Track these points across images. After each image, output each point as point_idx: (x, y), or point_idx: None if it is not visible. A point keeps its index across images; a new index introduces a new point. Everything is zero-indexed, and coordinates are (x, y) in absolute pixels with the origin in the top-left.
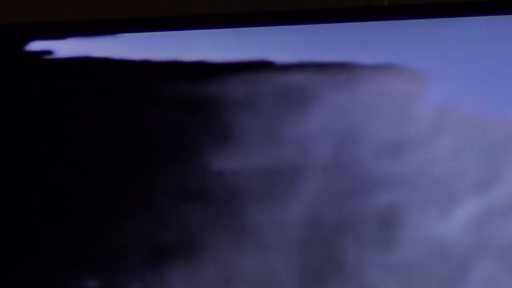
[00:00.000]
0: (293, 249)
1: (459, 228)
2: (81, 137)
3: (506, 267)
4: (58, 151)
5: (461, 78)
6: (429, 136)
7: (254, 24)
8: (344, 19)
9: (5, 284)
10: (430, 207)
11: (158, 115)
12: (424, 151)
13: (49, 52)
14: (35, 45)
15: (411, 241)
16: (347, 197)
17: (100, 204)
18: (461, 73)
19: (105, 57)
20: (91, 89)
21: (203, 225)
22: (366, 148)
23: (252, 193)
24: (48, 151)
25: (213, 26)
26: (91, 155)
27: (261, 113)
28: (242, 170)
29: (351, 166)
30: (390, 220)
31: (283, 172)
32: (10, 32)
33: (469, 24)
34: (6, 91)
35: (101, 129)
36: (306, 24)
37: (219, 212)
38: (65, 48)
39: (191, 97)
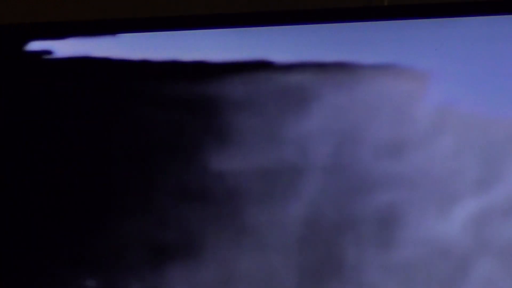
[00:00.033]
0: (293, 249)
1: (459, 228)
2: (81, 137)
3: (506, 267)
4: (58, 151)
5: (461, 78)
6: (429, 136)
7: (254, 24)
8: (344, 19)
9: (5, 284)
10: (430, 207)
11: (158, 115)
12: (424, 151)
13: (48, 52)
14: (35, 45)
15: (411, 241)
16: (347, 197)
17: (100, 204)
18: (461, 73)
19: (105, 57)
20: (91, 89)
21: (203, 225)
22: (366, 148)
23: (252, 193)
24: (48, 151)
25: (213, 26)
26: (91, 155)
27: (261, 113)
28: (242, 170)
29: (351, 166)
30: (390, 220)
31: (283, 172)
32: (10, 32)
33: (469, 24)
34: (6, 91)
35: (101, 129)
36: (306, 24)
37: (219, 212)
38: (65, 48)
39: (191, 97)
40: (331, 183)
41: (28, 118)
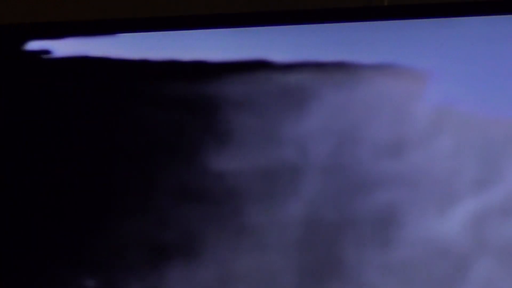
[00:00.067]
0: (293, 249)
1: (458, 228)
2: (80, 137)
3: (505, 267)
4: (58, 151)
5: (461, 78)
6: (428, 136)
7: (254, 24)
8: (344, 19)
9: (5, 284)
10: (429, 207)
11: (157, 115)
12: (423, 151)
13: (48, 52)
14: (34, 45)
15: (410, 240)
16: (346, 197)
17: (100, 204)
18: (461, 73)
19: (104, 57)
20: (91, 89)
21: (202, 225)
22: (366, 148)
23: (252, 193)
24: (48, 151)
25: (212, 26)
26: (90, 155)
27: (260, 113)
28: (242, 170)
29: (351, 166)
30: (389, 220)
31: (282, 171)
32: (10, 32)
33: (469, 24)
34: (5, 91)
35: (100, 129)
36: (306, 24)
37: (219, 212)
38: (64, 48)
39: (191, 97)
40: (331, 183)
41: (27, 118)
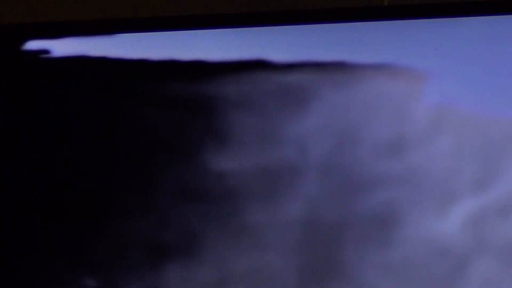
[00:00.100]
0: (292, 248)
1: (458, 227)
2: (80, 137)
3: (504, 266)
4: (58, 151)
5: (461, 78)
6: (428, 136)
7: (254, 24)
8: (344, 19)
9: (5, 284)
10: (429, 207)
11: (157, 115)
12: (423, 150)
13: (48, 52)
14: (34, 45)
15: (410, 240)
16: (345, 197)
17: (100, 204)
18: (461, 73)
19: (104, 57)
20: (90, 89)
21: (202, 225)
22: (366, 147)
23: (251, 193)
24: (47, 151)
25: (212, 26)
26: (90, 155)
27: (260, 113)
28: (241, 170)
29: (350, 165)
30: (389, 219)
31: (282, 171)
32: (9, 32)
33: (469, 24)
34: (5, 91)
35: (100, 129)
36: (306, 24)
37: (218, 212)
38: (64, 48)
39: (190, 97)
40: (330, 183)
41: (27, 118)
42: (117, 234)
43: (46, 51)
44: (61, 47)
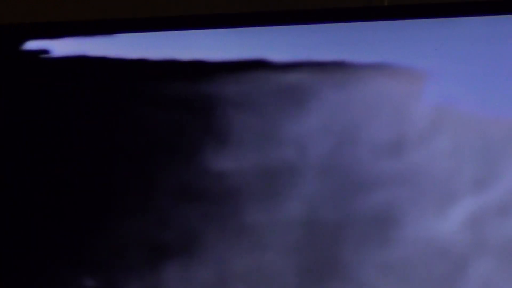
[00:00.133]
0: (292, 248)
1: (457, 227)
2: (80, 137)
3: (504, 266)
4: (57, 151)
5: (460, 78)
6: (428, 136)
7: (254, 24)
8: (344, 19)
9: (5, 284)
10: (428, 206)
11: (156, 115)
12: (423, 150)
13: (48, 52)
14: (34, 45)
15: (410, 240)
16: (345, 197)
17: (100, 204)
18: (460, 73)
19: (104, 57)
20: (90, 89)
21: (202, 225)
22: (365, 147)
23: (251, 192)
24: (47, 151)
25: (212, 26)
26: (90, 155)
27: (260, 113)
28: (241, 170)
29: (350, 165)
30: (388, 219)
31: (281, 171)
32: (9, 32)
33: (469, 24)
34: (4, 91)
35: (100, 129)
36: (306, 24)
37: (218, 212)
38: (64, 48)
39: (190, 97)
40: (330, 183)
41: (26, 118)
42: (117, 234)
43: (46, 51)
44: (61, 47)
